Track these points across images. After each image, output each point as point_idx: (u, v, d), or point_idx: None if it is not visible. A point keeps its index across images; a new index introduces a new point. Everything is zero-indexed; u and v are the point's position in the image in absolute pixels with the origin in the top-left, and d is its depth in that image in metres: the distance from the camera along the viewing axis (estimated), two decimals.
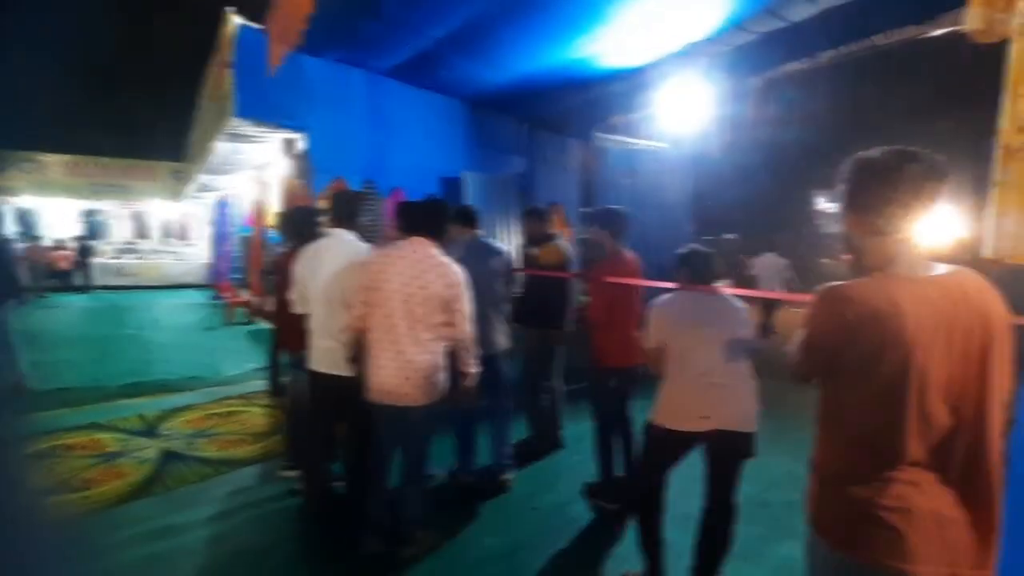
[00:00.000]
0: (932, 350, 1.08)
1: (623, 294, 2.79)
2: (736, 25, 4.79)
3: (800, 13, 4.64)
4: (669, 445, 2.17)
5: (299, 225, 3.14)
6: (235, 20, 5.37)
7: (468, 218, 3.23)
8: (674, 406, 2.14)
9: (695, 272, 2.30)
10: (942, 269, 1.15)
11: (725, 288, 2.36)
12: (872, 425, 1.13)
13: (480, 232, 3.23)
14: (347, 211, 2.71)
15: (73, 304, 11.43)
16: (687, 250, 2.41)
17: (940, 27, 5.12)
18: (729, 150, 7.19)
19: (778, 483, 3.22)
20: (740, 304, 2.25)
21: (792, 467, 3.43)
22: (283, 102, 5.47)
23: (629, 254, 2.94)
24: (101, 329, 8.51)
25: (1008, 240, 1.67)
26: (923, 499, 1.10)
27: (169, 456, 3.48)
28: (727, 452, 2.14)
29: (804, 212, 23.39)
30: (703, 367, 2.08)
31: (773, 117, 6.46)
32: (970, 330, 1.09)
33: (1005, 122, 1.71)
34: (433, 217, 2.38)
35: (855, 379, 1.14)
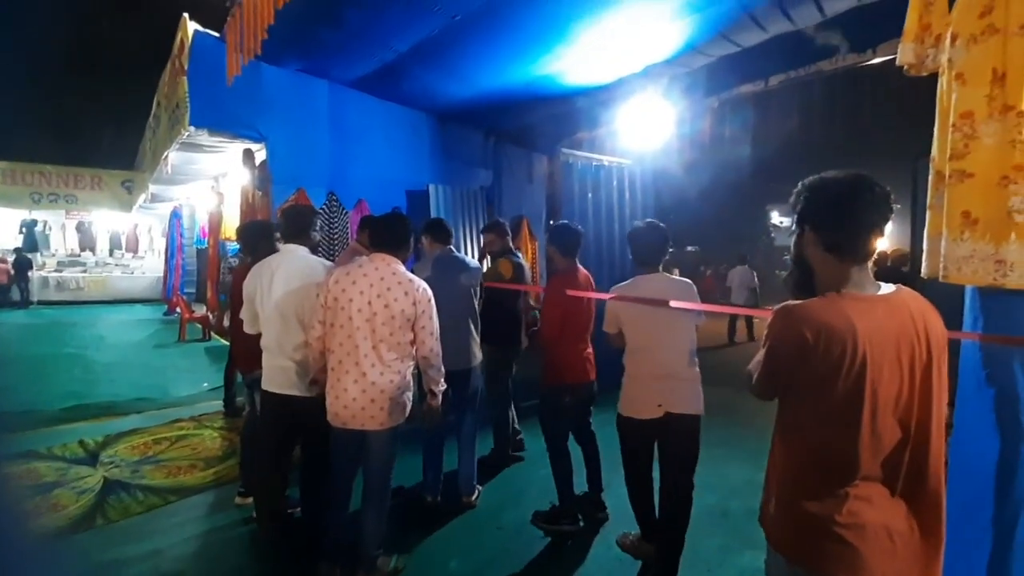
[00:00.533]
0: (883, 367, 1.12)
1: (573, 310, 2.78)
2: (693, 48, 4.98)
3: (751, 39, 4.87)
4: (637, 433, 2.41)
5: (254, 239, 3.04)
6: (191, 26, 5.21)
7: (439, 232, 3.19)
8: (634, 397, 2.40)
9: (641, 258, 2.50)
10: (888, 288, 1.21)
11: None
12: (827, 441, 1.17)
13: (450, 247, 3.18)
14: (298, 226, 2.63)
15: (8, 321, 10.67)
16: (631, 230, 2.57)
17: (880, 55, 5.49)
18: (689, 167, 7.45)
19: (738, 492, 3.29)
20: (686, 282, 2.50)
21: (752, 475, 3.52)
22: (241, 111, 5.32)
23: (581, 270, 2.91)
24: (39, 348, 7.89)
25: (938, 259, 1.78)
26: (875, 513, 1.14)
27: (112, 485, 3.23)
28: (684, 435, 2.38)
29: (759, 226, 24.40)
30: (658, 359, 2.35)
31: (729, 136, 6.74)
32: (914, 347, 1.14)
33: (936, 150, 1.84)
34: (396, 233, 2.31)
35: (812, 396, 1.17)
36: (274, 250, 3.03)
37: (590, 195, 5.70)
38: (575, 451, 2.96)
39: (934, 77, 1.90)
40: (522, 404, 4.01)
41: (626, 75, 5.46)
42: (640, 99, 5.97)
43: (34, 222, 14.39)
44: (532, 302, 3.96)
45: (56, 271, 14.08)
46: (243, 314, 2.67)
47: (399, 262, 2.26)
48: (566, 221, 4.08)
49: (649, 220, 2.63)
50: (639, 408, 2.40)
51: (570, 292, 2.76)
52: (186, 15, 5.31)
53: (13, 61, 17.67)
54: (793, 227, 1.28)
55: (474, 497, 3.10)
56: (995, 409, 1.74)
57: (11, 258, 12.80)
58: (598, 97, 6.12)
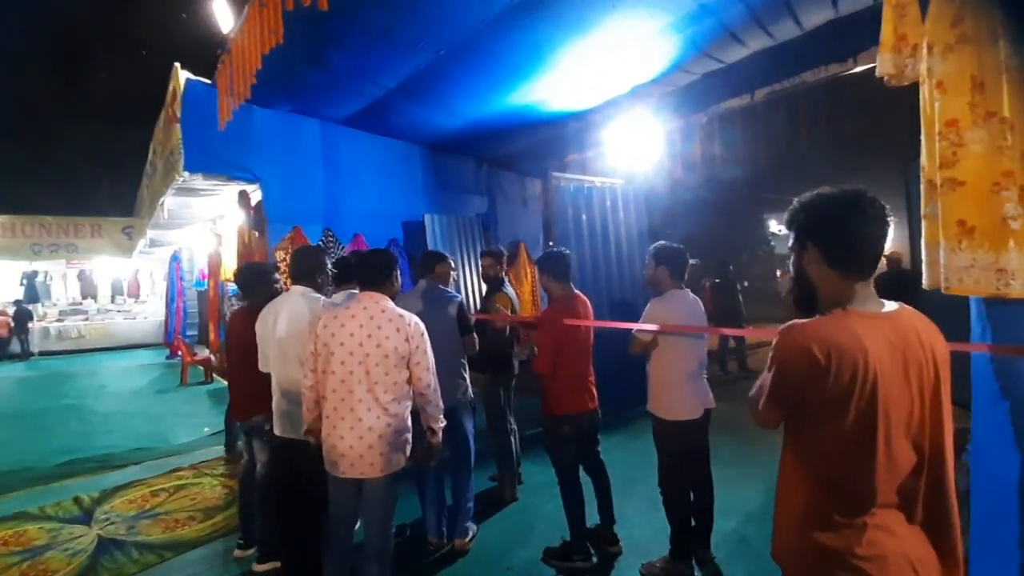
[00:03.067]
0: (893, 387, 1.07)
1: (570, 339, 2.73)
2: (678, 67, 5.05)
3: (734, 55, 4.94)
4: (683, 435, 2.55)
5: (251, 281, 3.01)
6: (183, 75, 5.31)
7: (422, 263, 3.14)
8: (675, 401, 2.56)
9: (675, 272, 2.67)
10: (891, 306, 1.17)
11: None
12: (841, 468, 1.11)
13: (436, 280, 3.08)
14: (302, 267, 2.62)
15: (8, 375, 10.61)
16: (664, 248, 2.70)
17: (862, 64, 5.56)
18: (681, 183, 7.47)
19: (755, 517, 3.16)
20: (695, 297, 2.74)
21: (767, 497, 3.40)
22: (234, 154, 5.38)
23: (578, 295, 2.86)
24: (37, 401, 7.78)
25: (938, 269, 1.73)
26: (895, 543, 1.09)
27: (106, 544, 3.10)
28: (706, 430, 2.67)
29: (757, 235, 24.46)
30: (694, 363, 2.57)
31: (720, 150, 6.77)
32: (922, 366, 1.10)
33: (925, 159, 1.81)
34: (376, 269, 2.23)
35: (823, 420, 1.11)
36: (272, 291, 3.02)
37: (584, 216, 5.70)
38: (585, 482, 2.85)
39: (917, 83, 1.89)
40: (527, 433, 3.91)
41: (613, 96, 5.52)
42: (629, 119, 6.02)
43: (35, 273, 14.46)
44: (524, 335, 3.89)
45: (58, 320, 14.07)
46: (260, 355, 2.67)
47: (387, 299, 2.20)
48: (552, 246, 4.10)
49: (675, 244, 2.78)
50: (685, 410, 2.55)
51: (567, 321, 2.70)
52: (178, 64, 5.41)
53: (11, 115, 18.07)
54: (791, 244, 1.24)
55: (468, 540, 2.94)
56: (1013, 422, 1.67)
57: (11, 310, 12.82)
58: (587, 119, 6.19)
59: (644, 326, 2.61)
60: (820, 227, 1.17)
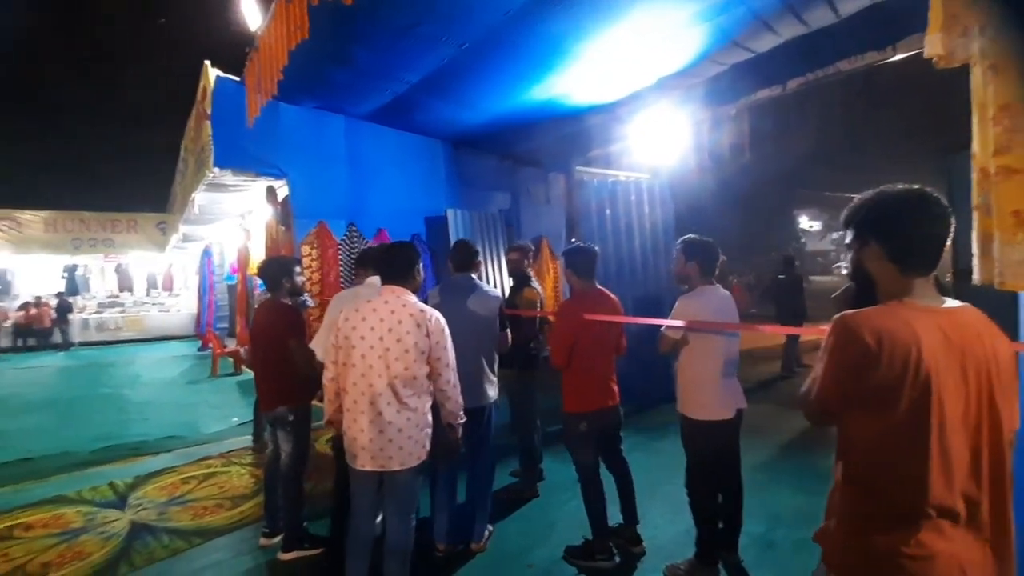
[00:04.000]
0: (948, 382, 1.05)
1: (589, 334, 2.64)
2: (706, 57, 4.91)
3: (765, 44, 4.77)
4: (714, 436, 2.47)
5: (275, 275, 3.05)
6: (213, 73, 5.42)
7: (454, 256, 2.99)
8: (707, 401, 2.47)
9: (705, 267, 2.57)
10: (952, 303, 1.15)
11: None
12: (893, 462, 1.08)
13: (469, 274, 2.96)
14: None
15: (50, 364, 11.08)
16: (694, 241, 2.60)
17: (902, 52, 5.32)
18: (707, 177, 7.30)
19: (783, 520, 3.06)
20: (728, 293, 2.63)
21: (796, 501, 3.30)
22: (261, 150, 5.48)
23: (602, 291, 2.77)
24: (76, 390, 8.15)
25: (992, 264, 1.62)
26: (945, 544, 1.06)
27: (138, 529, 3.18)
28: (738, 430, 2.57)
29: (788, 232, 23.80)
30: (727, 361, 2.48)
31: (749, 143, 6.58)
32: (980, 364, 1.08)
33: (976, 146, 1.70)
34: (397, 262, 2.21)
35: (876, 410, 1.09)
36: (296, 285, 3.07)
37: (608, 212, 5.61)
38: (607, 480, 2.79)
39: (964, 71, 1.77)
40: (549, 430, 3.87)
41: (639, 89, 5.41)
42: (655, 112, 5.90)
43: (75, 267, 15.06)
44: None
45: (96, 312, 14.63)
46: (313, 344, 2.66)
47: (409, 293, 2.18)
48: (577, 241, 4.02)
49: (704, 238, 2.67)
50: (715, 410, 2.47)
51: (588, 316, 2.64)
52: (207, 62, 5.53)
53: (53, 116, 18.83)
54: (850, 240, 1.24)
55: (483, 542, 2.89)
56: None
57: (54, 302, 13.39)
58: (612, 113, 6.08)
59: (673, 322, 2.53)
60: (883, 224, 1.17)
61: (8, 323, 12.91)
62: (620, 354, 2.81)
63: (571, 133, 6.80)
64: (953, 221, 1.14)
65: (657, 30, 4.26)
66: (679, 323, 2.50)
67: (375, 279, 2.69)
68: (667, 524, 3.01)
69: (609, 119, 6.30)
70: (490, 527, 2.98)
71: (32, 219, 13.38)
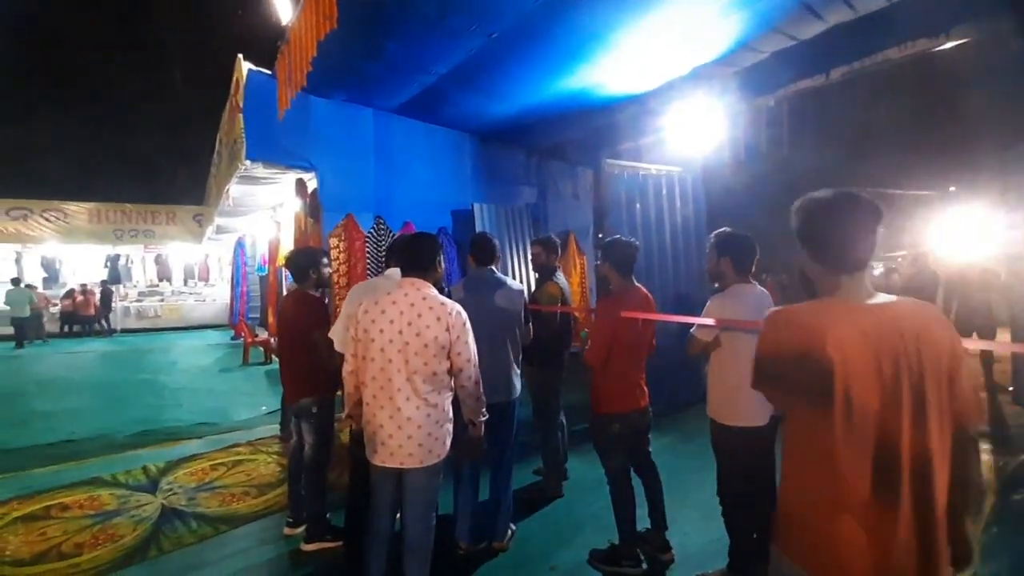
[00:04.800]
0: (857, 375, 1.11)
1: (626, 335, 2.53)
2: (744, 45, 4.70)
3: (809, 31, 4.54)
4: (748, 443, 2.34)
5: (302, 266, 3.05)
6: (245, 66, 5.48)
7: (476, 250, 2.93)
8: (743, 406, 2.32)
9: (740, 264, 2.42)
10: (885, 298, 1.21)
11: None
12: (826, 452, 1.14)
13: (491, 267, 2.93)
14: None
15: (93, 349, 11.58)
16: (728, 236, 2.46)
17: (954, 39, 4.98)
18: (743, 171, 7.04)
19: None
20: (765, 292, 2.47)
21: None
22: (292, 143, 5.53)
23: (639, 289, 2.67)
24: (116, 375, 8.51)
25: None
26: (880, 526, 1.11)
27: (168, 514, 3.26)
28: (772, 439, 2.39)
29: None
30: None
31: (787, 136, 6.31)
32: (902, 356, 1.12)
33: None
34: (420, 254, 2.15)
35: (807, 403, 1.17)
36: (322, 276, 3.06)
37: (637, 206, 5.46)
38: (635, 483, 2.69)
39: (1020, 61, 1.59)
40: (574, 429, 3.79)
41: (673, 79, 5.23)
42: (688, 103, 5.70)
43: (117, 257, 15.68)
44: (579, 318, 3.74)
45: (137, 301, 15.22)
46: (332, 333, 2.66)
47: (430, 286, 2.12)
48: (603, 237, 3.91)
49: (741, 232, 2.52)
50: (749, 416, 2.33)
51: (624, 313, 2.53)
52: (240, 55, 5.60)
53: (96, 111, 19.60)
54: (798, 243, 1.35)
55: (506, 541, 2.84)
56: None
57: (98, 291, 13.97)
58: (643, 104, 5.91)
59: (704, 320, 2.40)
60: (806, 230, 1.28)
61: (55, 310, 13.51)
62: (651, 353, 2.70)
63: (600, 126, 6.66)
64: (877, 217, 1.20)
65: (693, 17, 4.09)
66: (710, 321, 2.37)
67: (394, 271, 2.65)
68: (697, 532, 2.90)
69: (640, 111, 6.13)
70: (513, 527, 2.93)
71: (78, 210, 13.98)
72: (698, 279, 5.54)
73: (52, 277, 14.93)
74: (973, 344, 1.84)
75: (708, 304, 2.45)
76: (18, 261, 14.07)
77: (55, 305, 13.53)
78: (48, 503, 3.47)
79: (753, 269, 2.48)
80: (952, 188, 14.21)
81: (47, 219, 13.66)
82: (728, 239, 2.46)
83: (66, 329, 13.63)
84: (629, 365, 2.57)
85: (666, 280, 5.47)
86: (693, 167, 6.04)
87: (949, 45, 4.92)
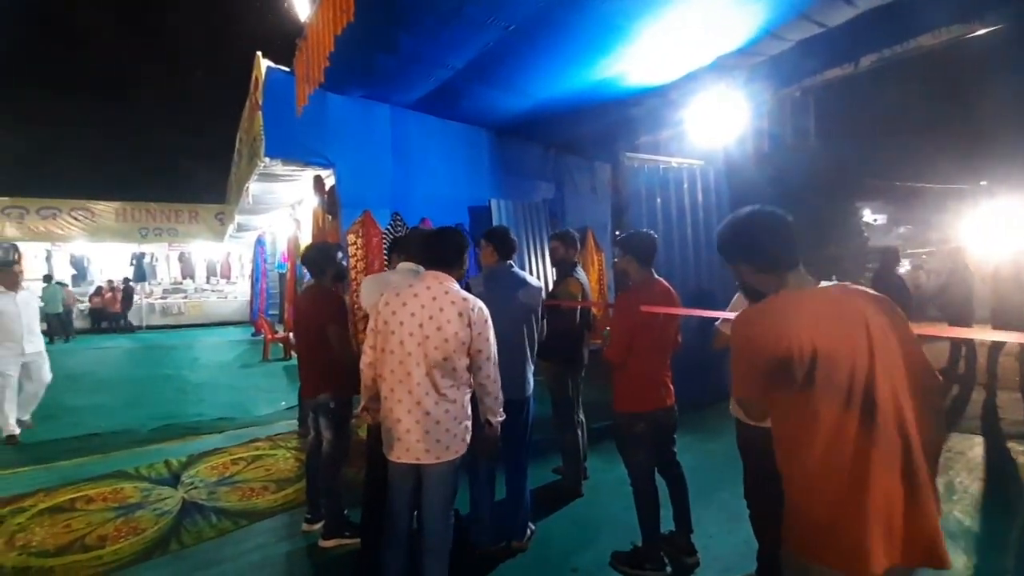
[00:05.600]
0: (831, 351, 1.21)
1: (647, 329, 2.45)
2: (769, 33, 4.55)
3: (838, 16, 4.37)
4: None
5: (319, 260, 3.04)
6: (264, 63, 5.51)
7: (499, 244, 2.86)
8: None
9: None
10: (826, 284, 1.35)
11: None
12: (816, 435, 1.22)
13: (510, 262, 2.88)
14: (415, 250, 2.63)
15: (119, 345, 11.85)
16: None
17: (987, 25, 4.77)
18: (767, 164, 6.85)
19: None
20: None
21: None
22: (309, 140, 5.54)
23: (660, 282, 2.59)
24: (141, 370, 8.71)
25: None
26: (876, 498, 1.17)
27: (189, 507, 3.29)
28: None
29: (849, 226, 22.33)
30: None
31: (811, 130, 6.12)
32: (854, 329, 1.23)
33: None
34: (447, 247, 2.12)
35: (792, 390, 1.24)
36: (340, 271, 3.06)
37: (658, 200, 5.34)
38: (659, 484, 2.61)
39: None
40: (594, 427, 3.71)
41: (694, 69, 5.10)
42: (710, 94, 5.56)
43: (143, 255, 16.04)
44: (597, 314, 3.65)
45: (161, 298, 15.55)
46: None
47: (453, 280, 2.07)
48: (619, 234, 3.82)
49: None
50: None
51: (644, 308, 2.44)
52: (259, 53, 5.62)
53: (122, 112, 20.07)
54: (729, 266, 1.52)
55: (525, 540, 2.78)
56: None
57: (122, 288, 14.32)
58: (664, 96, 5.79)
59: (730, 315, 2.31)
60: (743, 245, 1.44)
61: (84, 306, 13.88)
62: (676, 349, 2.62)
63: (619, 119, 6.54)
64: (789, 227, 1.39)
65: (717, 4, 3.96)
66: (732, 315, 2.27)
67: (406, 264, 2.62)
68: (724, 534, 2.81)
69: (660, 103, 6.00)
70: (532, 526, 2.87)
71: (105, 209, 14.34)
72: (720, 275, 5.40)
73: (81, 275, 15.33)
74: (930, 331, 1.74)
75: (735, 298, 2.35)
76: (48, 259, 14.48)
77: (82, 302, 13.89)
78: (73, 495, 3.53)
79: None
80: (983, 182, 13.68)
81: (75, 218, 14.05)
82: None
83: (95, 325, 13.99)
84: (653, 362, 2.49)
85: (687, 276, 5.35)
86: (715, 160, 5.90)
87: (983, 31, 4.71)
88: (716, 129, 5.84)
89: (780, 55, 4.99)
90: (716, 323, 2.40)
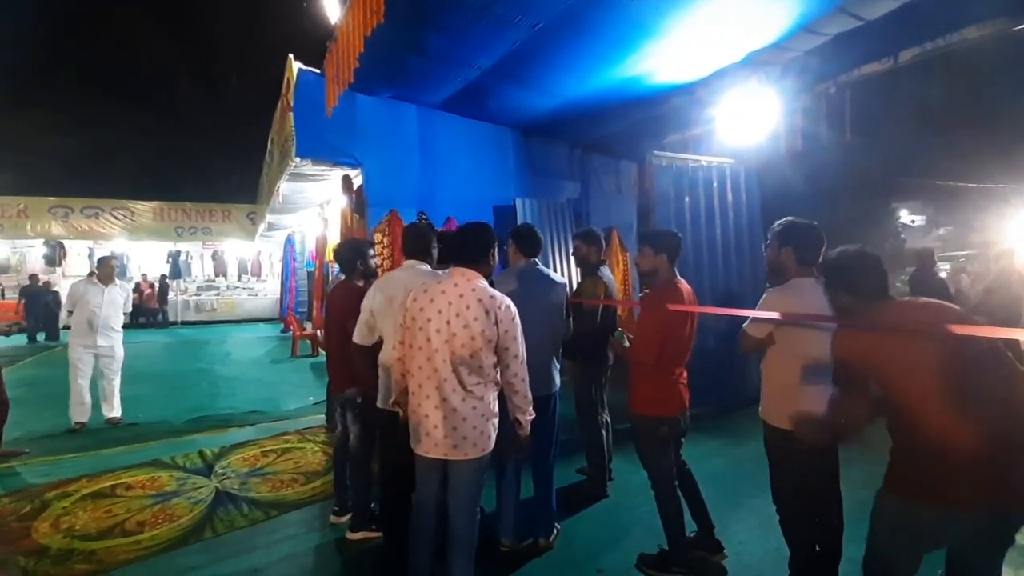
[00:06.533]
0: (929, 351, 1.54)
1: (677, 330, 2.40)
2: (804, 27, 4.43)
3: (878, 9, 4.23)
4: (805, 449, 2.08)
5: (350, 257, 3.09)
6: (296, 65, 5.64)
7: (526, 243, 2.88)
8: (796, 407, 2.09)
9: (803, 255, 2.26)
10: (898, 301, 1.73)
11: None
12: (925, 406, 1.53)
13: (535, 260, 2.89)
14: (419, 247, 2.67)
15: (156, 340, 12.29)
16: (792, 225, 2.32)
17: None
18: (799, 162, 6.68)
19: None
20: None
21: None
22: (339, 140, 5.64)
23: (682, 283, 2.54)
24: (176, 364, 9.03)
25: None
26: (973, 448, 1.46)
27: (222, 497, 3.40)
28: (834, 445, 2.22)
29: (886, 227, 21.58)
30: (822, 364, 2.05)
31: (847, 127, 5.92)
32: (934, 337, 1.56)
33: None
34: (476, 243, 2.12)
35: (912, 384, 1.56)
36: (369, 267, 3.10)
37: (686, 199, 5.26)
38: None
39: None
40: (618, 428, 3.68)
41: (725, 66, 5.00)
42: (741, 91, 5.44)
43: (178, 253, 16.59)
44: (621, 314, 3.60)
45: (196, 295, 16.09)
46: (358, 325, 2.69)
47: (481, 277, 2.07)
48: (660, 227, 3.76)
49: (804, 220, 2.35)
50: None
51: (671, 306, 2.40)
52: (291, 55, 5.76)
53: (159, 115, 20.81)
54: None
55: (552, 538, 2.77)
56: None
57: (159, 285, 14.84)
58: (692, 94, 5.69)
59: (761, 313, 2.24)
60: (847, 277, 1.80)
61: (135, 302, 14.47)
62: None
63: (646, 118, 6.45)
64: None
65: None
66: (772, 315, 2.19)
67: (412, 262, 2.66)
68: (754, 540, 2.74)
69: (689, 101, 5.89)
70: (557, 525, 2.86)
71: (143, 209, 14.90)
72: (751, 276, 5.29)
73: (120, 272, 15.94)
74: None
75: (764, 297, 2.28)
76: (91, 256, 15.10)
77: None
78: (114, 482, 3.68)
79: (819, 261, 2.30)
80: None
81: (116, 217, 14.64)
82: (791, 228, 2.28)
83: (134, 321, 14.54)
84: (679, 363, 2.45)
85: (716, 277, 5.25)
86: (746, 158, 5.77)
87: None
88: (747, 127, 5.71)
89: (815, 50, 4.85)
90: (744, 326, 2.34)
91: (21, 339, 11.74)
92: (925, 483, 1.54)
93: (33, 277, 12.98)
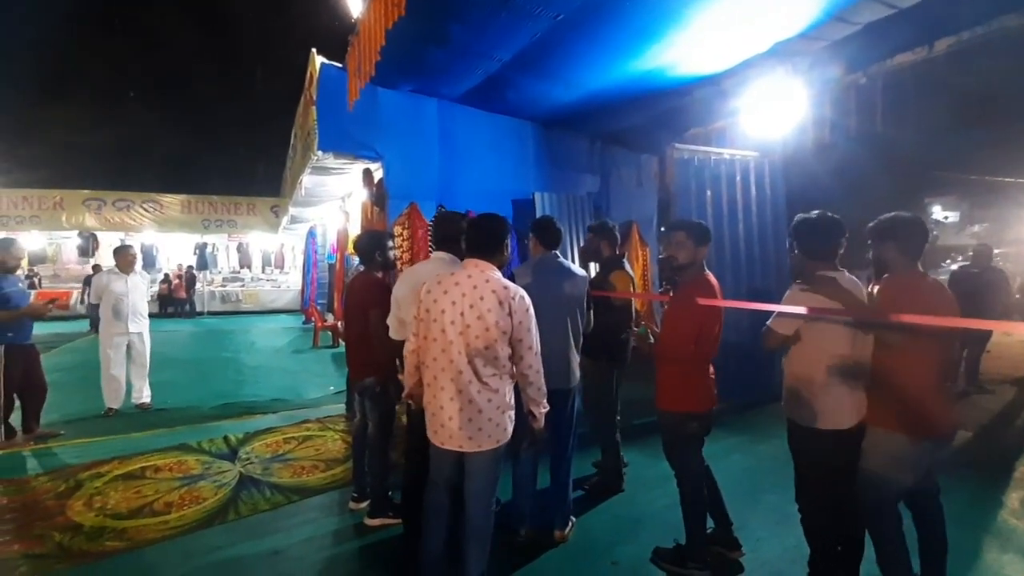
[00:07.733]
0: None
1: (711, 324, 2.34)
2: (833, 16, 4.30)
3: None
4: (843, 449, 2.13)
5: (370, 248, 3.12)
6: (319, 60, 5.71)
7: (546, 234, 2.86)
8: (836, 407, 2.12)
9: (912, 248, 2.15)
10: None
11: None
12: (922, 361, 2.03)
13: (556, 252, 2.87)
14: (448, 232, 2.67)
15: (184, 329, 12.64)
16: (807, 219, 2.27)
17: None
18: (828, 156, 6.51)
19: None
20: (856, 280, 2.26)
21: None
22: (360, 133, 5.70)
23: (710, 275, 2.48)
24: (203, 352, 9.30)
25: None
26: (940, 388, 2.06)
27: (246, 481, 3.50)
28: (859, 444, 2.16)
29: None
30: (849, 360, 2.10)
31: (878, 120, 5.74)
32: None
33: None
34: (490, 235, 2.11)
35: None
36: (388, 259, 3.13)
37: (708, 193, 5.17)
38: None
39: None
40: (634, 423, 3.65)
41: (750, 56, 4.89)
42: (767, 82, 5.32)
43: (205, 245, 17.01)
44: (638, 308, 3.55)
45: (221, 286, 16.49)
46: (389, 320, 2.72)
47: (495, 268, 2.07)
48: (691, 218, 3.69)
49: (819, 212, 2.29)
50: (832, 419, 2.12)
51: (702, 300, 2.34)
52: (314, 50, 5.83)
53: (187, 110, 21.29)
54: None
55: (567, 531, 2.77)
56: None
57: (186, 276, 15.25)
58: (717, 86, 5.58)
59: (787, 308, 2.19)
60: (897, 233, 2.17)
61: (153, 292, 14.90)
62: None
63: (668, 110, 6.35)
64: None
65: None
66: (797, 309, 2.15)
67: (439, 254, 2.65)
68: (772, 537, 2.71)
69: (712, 93, 5.78)
70: (573, 519, 2.86)
71: (171, 202, 15.32)
72: (776, 272, 5.18)
73: (149, 263, 16.44)
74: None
75: (788, 293, 2.23)
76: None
77: (151, 288, 14.91)
78: (143, 464, 3.82)
79: (839, 254, 2.24)
80: None
81: (146, 209, 15.09)
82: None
83: (163, 311, 14.99)
84: (710, 358, 2.42)
85: (739, 273, 5.16)
86: (771, 151, 5.65)
87: None
88: (773, 119, 5.58)
89: (845, 39, 4.71)
90: (768, 322, 2.30)
91: (83, 324, 12.16)
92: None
93: (96, 267, 13.47)
